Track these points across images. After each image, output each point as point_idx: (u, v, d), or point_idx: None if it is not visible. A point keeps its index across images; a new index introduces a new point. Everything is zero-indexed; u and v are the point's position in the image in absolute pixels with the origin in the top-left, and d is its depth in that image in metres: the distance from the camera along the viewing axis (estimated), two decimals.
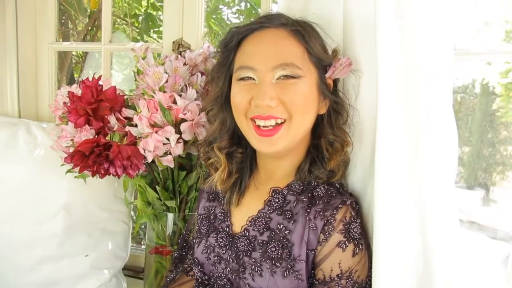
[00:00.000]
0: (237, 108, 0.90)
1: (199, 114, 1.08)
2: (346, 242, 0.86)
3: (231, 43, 0.91)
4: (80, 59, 2.38)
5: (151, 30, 2.28)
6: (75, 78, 2.34)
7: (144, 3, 2.45)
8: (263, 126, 0.86)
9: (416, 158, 0.86)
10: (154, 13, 2.35)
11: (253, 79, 0.87)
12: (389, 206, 0.84)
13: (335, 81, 0.96)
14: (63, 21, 2.31)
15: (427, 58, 0.85)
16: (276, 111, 0.85)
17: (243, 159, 1.00)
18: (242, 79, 0.88)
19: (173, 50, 1.42)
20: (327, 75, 0.91)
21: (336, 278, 0.85)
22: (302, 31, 0.87)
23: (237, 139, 0.98)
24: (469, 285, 0.95)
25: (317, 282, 0.87)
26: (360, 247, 0.87)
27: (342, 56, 0.94)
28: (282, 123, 0.86)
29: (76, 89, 1.16)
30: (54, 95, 1.63)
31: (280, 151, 0.90)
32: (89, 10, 2.30)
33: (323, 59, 0.89)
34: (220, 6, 2.50)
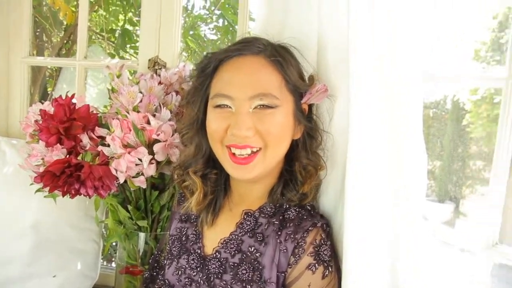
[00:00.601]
0: (212, 136, 0.90)
1: (173, 135, 1.08)
2: (316, 264, 0.87)
3: (208, 69, 0.91)
4: (54, 73, 2.35)
5: (128, 45, 2.28)
6: (49, 92, 2.31)
7: (121, 17, 2.45)
8: (239, 154, 0.87)
9: (386, 181, 0.88)
10: (131, 28, 2.34)
11: (230, 107, 0.87)
12: (358, 228, 0.86)
13: (310, 106, 0.97)
14: (37, 33, 2.29)
15: (400, 82, 0.87)
16: (252, 140, 0.86)
17: (218, 180, 1.00)
18: (218, 106, 0.88)
19: (148, 67, 1.42)
20: (303, 100, 0.92)
21: None
22: (281, 60, 0.87)
23: (212, 163, 0.98)
24: None
25: None
26: (330, 269, 0.88)
27: (318, 81, 0.95)
28: (257, 151, 0.87)
29: (48, 107, 1.15)
30: (26, 111, 1.60)
31: (254, 178, 0.90)
32: (64, 23, 2.28)
33: (299, 87, 0.90)
34: (198, 23, 2.51)
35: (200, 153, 0.96)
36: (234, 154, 0.87)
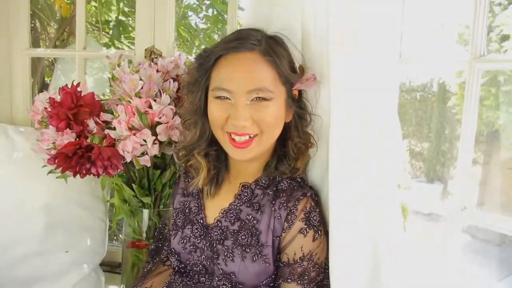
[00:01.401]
0: (213, 123, 1.00)
1: (173, 117, 1.17)
2: (307, 229, 0.98)
3: (208, 63, 0.99)
4: (52, 63, 2.41)
5: (122, 36, 2.34)
6: (47, 82, 2.37)
7: (113, 8, 2.50)
8: (238, 140, 0.97)
9: (365, 156, 0.98)
10: (125, 19, 2.40)
11: (229, 98, 0.96)
12: (341, 198, 0.97)
13: (300, 90, 1.06)
14: (32, 25, 2.34)
15: (377, 67, 0.98)
16: (250, 128, 0.96)
17: (219, 156, 1.10)
18: (218, 97, 0.98)
19: (145, 57, 1.50)
20: (293, 88, 1.01)
21: (299, 260, 0.98)
22: (275, 57, 0.96)
23: (214, 143, 1.07)
24: (414, 267, 1.09)
25: (282, 265, 0.99)
26: (319, 233, 0.99)
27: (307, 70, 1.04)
28: (254, 136, 0.97)
29: (55, 95, 1.24)
30: (29, 100, 1.68)
31: (251, 158, 1.01)
32: (58, 14, 2.33)
33: (291, 79, 0.99)
34: (188, 12, 2.57)
35: (203, 137, 1.05)
36: (234, 139, 0.98)
